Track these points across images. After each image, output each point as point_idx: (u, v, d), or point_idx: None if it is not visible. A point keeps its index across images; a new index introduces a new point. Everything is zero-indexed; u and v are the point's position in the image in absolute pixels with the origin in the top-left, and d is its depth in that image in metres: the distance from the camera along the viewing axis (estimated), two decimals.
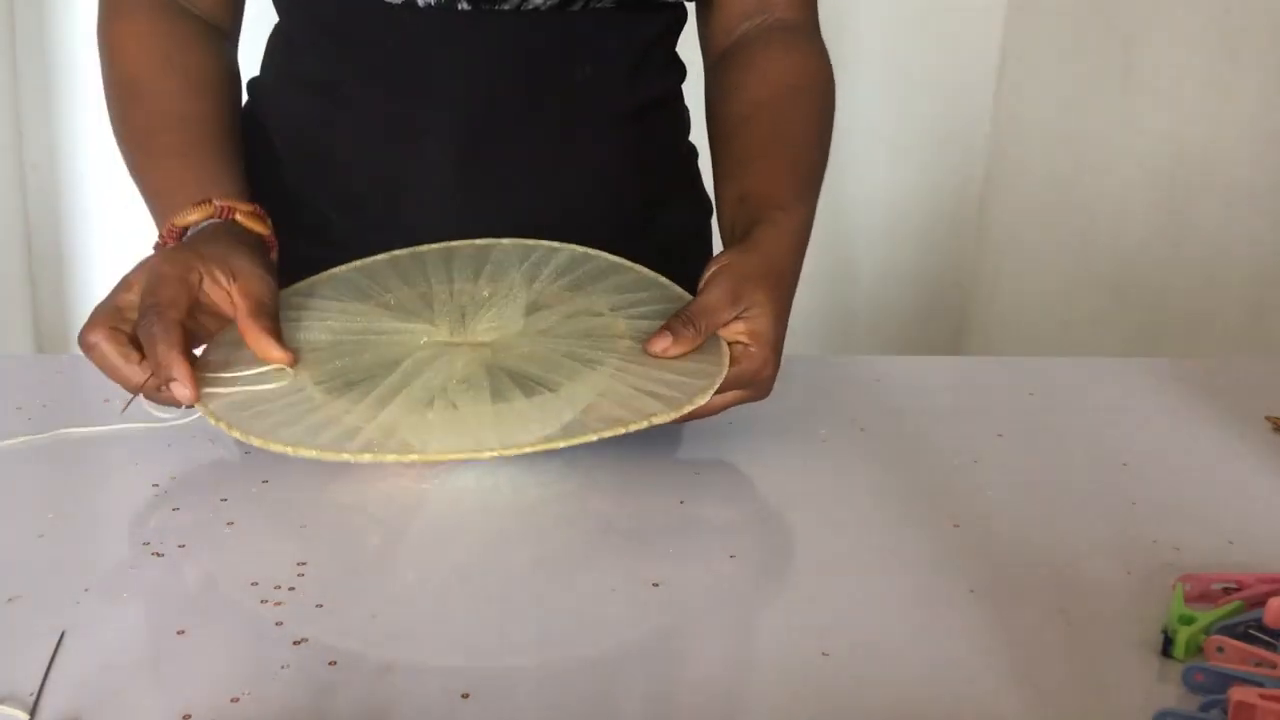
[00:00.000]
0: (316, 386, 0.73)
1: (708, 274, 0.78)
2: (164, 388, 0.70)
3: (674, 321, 0.75)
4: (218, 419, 0.71)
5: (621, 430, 0.69)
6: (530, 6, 0.85)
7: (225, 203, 0.80)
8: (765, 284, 0.77)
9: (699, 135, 1.01)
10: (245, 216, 0.80)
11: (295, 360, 0.74)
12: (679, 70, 0.99)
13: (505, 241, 0.87)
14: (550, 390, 0.72)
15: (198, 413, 0.73)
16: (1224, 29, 1.74)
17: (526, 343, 0.77)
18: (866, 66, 2.24)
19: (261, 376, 0.74)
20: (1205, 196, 1.79)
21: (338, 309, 0.81)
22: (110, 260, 2.15)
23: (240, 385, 0.73)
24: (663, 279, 0.85)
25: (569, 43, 0.88)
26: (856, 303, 2.35)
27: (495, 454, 0.68)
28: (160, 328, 0.70)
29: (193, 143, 0.85)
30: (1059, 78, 2.04)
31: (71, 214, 2.11)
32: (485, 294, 0.82)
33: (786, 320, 0.79)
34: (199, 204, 0.79)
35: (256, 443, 0.69)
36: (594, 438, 0.69)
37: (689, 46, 0.99)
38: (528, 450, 0.69)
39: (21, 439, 0.78)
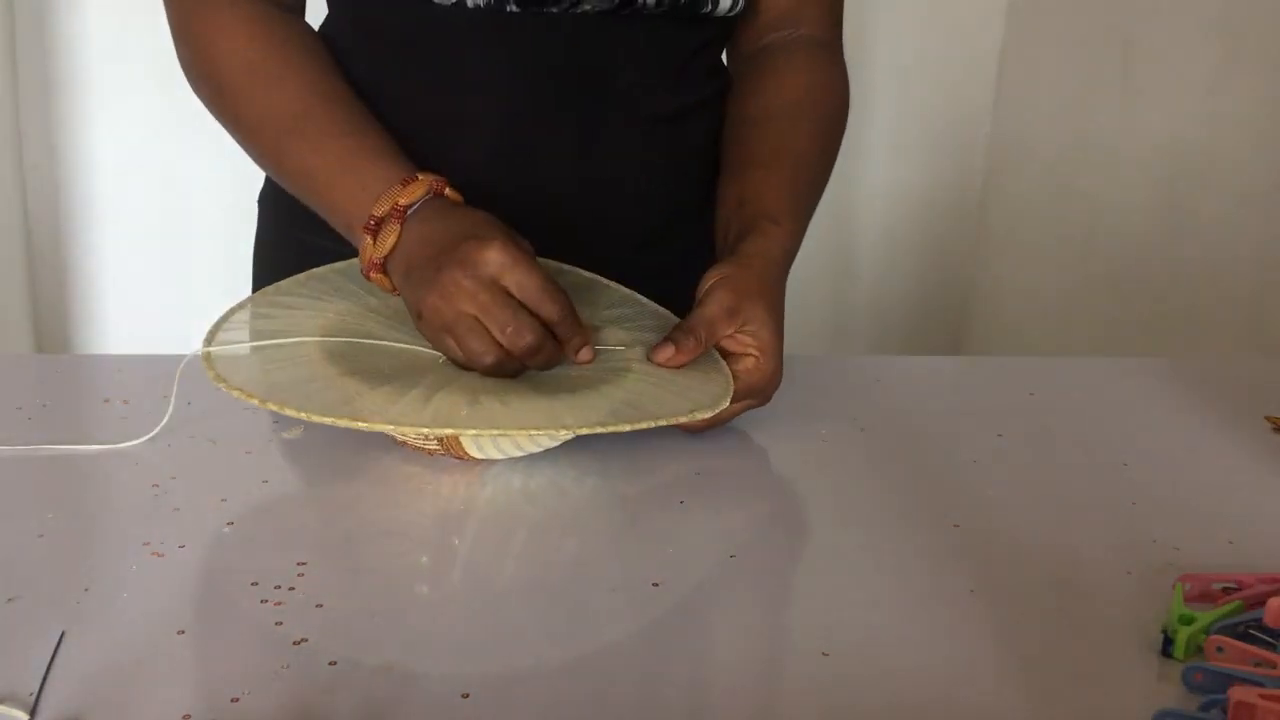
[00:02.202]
0: (348, 379, 0.72)
1: (705, 286, 0.81)
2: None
3: (676, 333, 0.78)
4: (291, 408, 0.69)
5: (668, 421, 0.72)
6: (579, 11, 0.85)
7: (432, 177, 0.79)
8: (762, 300, 0.80)
9: None
10: (451, 189, 0.80)
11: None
12: (723, 76, 0.99)
13: None
14: (588, 389, 0.73)
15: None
16: (1224, 29, 1.74)
17: None
18: (867, 66, 2.24)
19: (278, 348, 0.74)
20: (1205, 196, 1.79)
21: (333, 309, 0.81)
22: (110, 260, 2.15)
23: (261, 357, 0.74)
24: (638, 295, 0.88)
25: (613, 48, 0.88)
26: (856, 303, 2.34)
27: (573, 431, 0.70)
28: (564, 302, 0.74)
29: (352, 119, 0.83)
30: (1059, 78, 2.04)
31: (71, 214, 2.11)
32: None
33: (783, 332, 0.82)
34: (408, 182, 0.78)
35: (329, 421, 0.67)
36: (650, 424, 0.71)
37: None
38: (600, 430, 0.70)
39: (21, 439, 0.78)
